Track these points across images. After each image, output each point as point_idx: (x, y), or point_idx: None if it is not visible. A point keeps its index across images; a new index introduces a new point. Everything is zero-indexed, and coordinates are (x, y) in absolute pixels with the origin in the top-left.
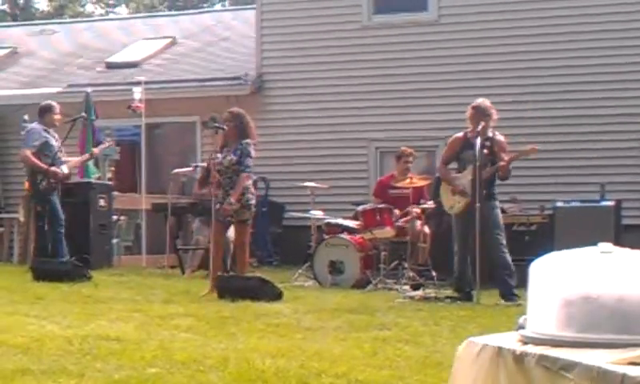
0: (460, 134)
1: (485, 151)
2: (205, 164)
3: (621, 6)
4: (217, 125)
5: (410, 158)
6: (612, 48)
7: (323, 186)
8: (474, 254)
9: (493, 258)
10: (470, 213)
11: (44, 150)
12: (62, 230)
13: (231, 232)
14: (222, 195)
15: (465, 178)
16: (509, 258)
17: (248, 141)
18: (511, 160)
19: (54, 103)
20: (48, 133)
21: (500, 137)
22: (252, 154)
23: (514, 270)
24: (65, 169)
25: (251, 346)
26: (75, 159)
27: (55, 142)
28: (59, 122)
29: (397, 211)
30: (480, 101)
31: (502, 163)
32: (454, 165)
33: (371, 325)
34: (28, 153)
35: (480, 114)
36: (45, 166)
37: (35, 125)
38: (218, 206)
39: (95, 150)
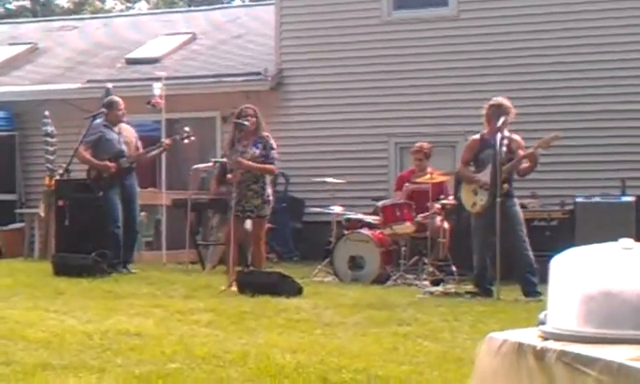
0: (476, 136)
1: (504, 149)
2: (224, 160)
3: None
4: (240, 122)
5: (419, 155)
6: (634, 43)
7: (343, 181)
8: (494, 250)
9: (515, 255)
10: (491, 211)
11: (100, 144)
12: (117, 230)
13: (248, 225)
14: (244, 190)
15: (484, 177)
16: (531, 255)
17: (267, 134)
18: (537, 148)
19: (116, 99)
20: (109, 128)
21: (516, 136)
22: (275, 147)
23: (536, 267)
24: (125, 163)
25: (271, 341)
26: (144, 151)
27: (116, 136)
28: (123, 116)
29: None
30: (496, 99)
31: (529, 150)
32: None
33: (391, 320)
34: (80, 148)
35: (498, 111)
36: (95, 161)
37: (97, 120)
38: (235, 201)
39: (166, 141)
